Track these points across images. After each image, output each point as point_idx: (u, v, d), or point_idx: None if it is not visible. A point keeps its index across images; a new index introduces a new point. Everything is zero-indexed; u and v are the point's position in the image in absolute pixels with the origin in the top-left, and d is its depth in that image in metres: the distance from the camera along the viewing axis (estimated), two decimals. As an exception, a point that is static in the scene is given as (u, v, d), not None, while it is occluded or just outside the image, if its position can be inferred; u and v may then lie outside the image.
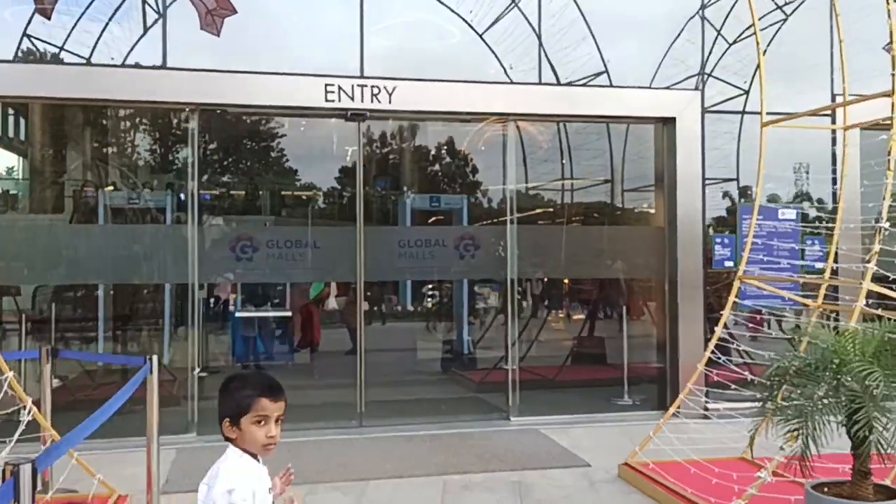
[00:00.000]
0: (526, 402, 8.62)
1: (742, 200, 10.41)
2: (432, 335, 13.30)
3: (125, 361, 8.50)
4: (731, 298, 6.77)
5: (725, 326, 6.73)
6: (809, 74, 10.82)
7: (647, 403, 9.15)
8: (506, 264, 8.47)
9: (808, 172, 11.86)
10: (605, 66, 9.79)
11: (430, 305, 13.84)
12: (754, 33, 7.04)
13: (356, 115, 8.00)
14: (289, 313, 11.27)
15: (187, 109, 7.80)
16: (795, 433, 4.19)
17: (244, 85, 7.70)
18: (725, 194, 11.97)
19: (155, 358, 5.43)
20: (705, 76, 9.83)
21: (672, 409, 6.74)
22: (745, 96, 11.04)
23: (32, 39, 8.47)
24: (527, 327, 11.00)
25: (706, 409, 7.75)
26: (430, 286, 12.95)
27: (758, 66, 7.11)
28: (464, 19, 9.00)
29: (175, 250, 7.76)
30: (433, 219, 12.32)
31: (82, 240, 7.92)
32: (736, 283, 6.87)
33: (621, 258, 9.16)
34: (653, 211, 10.46)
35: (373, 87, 7.89)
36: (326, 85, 7.79)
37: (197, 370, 7.83)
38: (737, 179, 11.05)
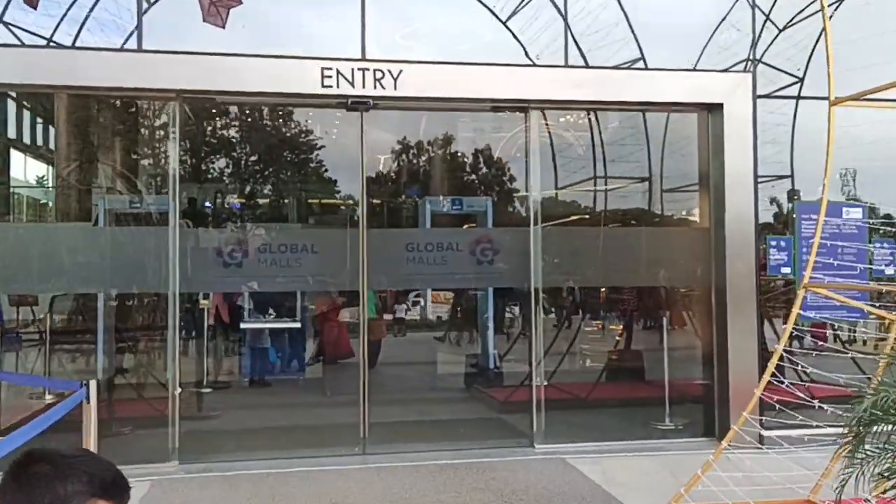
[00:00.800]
0: (553, 425, 7.49)
1: (796, 199, 9.19)
2: (456, 347, 12.25)
3: (62, 387, 7.51)
4: (795, 310, 5.59)
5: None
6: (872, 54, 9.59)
7: (692, 428, 7.97)
8: (529, 271, 7.36)
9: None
10: (640, 52, 8.70)
11: (456, 314, 12.80)
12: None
13: (358, 104, 6.98)
14: (298, 324, 10.27)
15: (168, 97, 6.84)
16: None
17: (230, 69, 6.72)
18: (773, 200, 10.73)
19: (93, 383, 4.45)
20: (755, 61, 8.65)
21: (724, 443, 5.56)
22: (798, 85, 9.83)
23: (11, 28, 7.62)
24: (555, 340, 9.85)
25: (761, 436, 6.54)
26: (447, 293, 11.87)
27: (822, 33, 5.94)
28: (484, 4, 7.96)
29: (152, 256, 6.79)
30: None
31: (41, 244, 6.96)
32: (800, 293, 5.70)
33: (661, 264, 8.00)
34: (696, 212, 9.31)
35: (376, 70, 6.87)
36: (323, 69, 6.79)
37: (179, 390, 6.82)
38: (791, 176, 9.82)
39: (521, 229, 7.52)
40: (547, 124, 9.22)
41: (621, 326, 10.83)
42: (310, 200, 13.94)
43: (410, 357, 12.79)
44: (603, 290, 11.19)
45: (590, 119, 9.79)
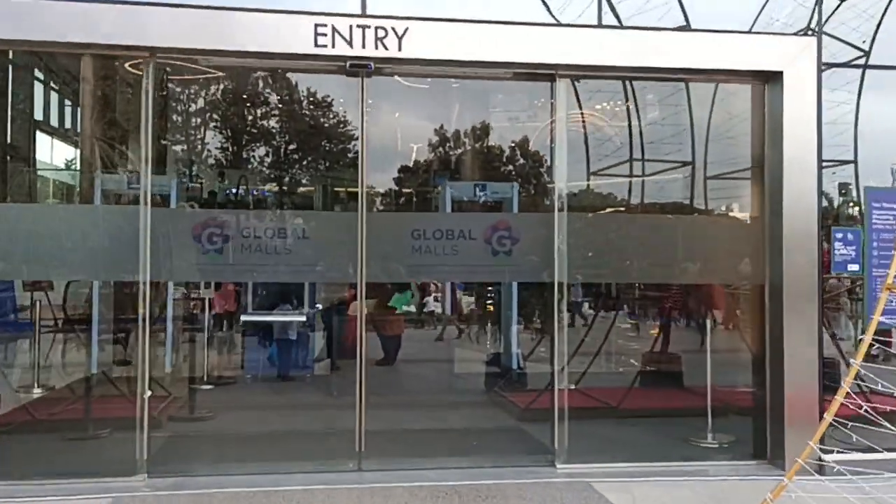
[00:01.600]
0: (578, 439, 6.41)
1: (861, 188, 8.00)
2: (477, 345, 11.24)
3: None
4: (877, 316, 4.46)
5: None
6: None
7: (738, 447, 6.85)
8: (552, 263, 6.28)
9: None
10: (685, 16, 7.57)
11: (483, 308, 11.78)
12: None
13: (357, 66, 5.96)
14: (302, 318, 9.32)
15: (140, 55, 5.88)
16: None
17: (210, 24, 5.75)
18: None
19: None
20: (818, 28, 7.47)
21: (787, 480, 4.46)
22: (864, 59, 8.62)
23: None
24: (583, 342, 8.75)
25: (821, 460, 5.42)
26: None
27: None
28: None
29: (119, 240, 5.85)
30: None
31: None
32: (883, 295, 4.56)
33: (706, 257, 6.86)
34: (744, 201, 8.18)
35: (377, 28, 5.84)
36: (317, 25, 5.78)
37: (148, 393, 5.88)
38: (854, 162, 8.63)
39: (544, 215, 6.45)
40: (577, 99, 8.15)
41: (657, 326, 9.71)
42: (334, 188, 13.11)
43: (429, 354, 11.81)
44: (639, 285, 10.08)
45: (626, 95, 8.67)
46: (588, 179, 9.56)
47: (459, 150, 14.43)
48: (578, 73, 6.56)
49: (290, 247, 6.18)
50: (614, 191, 10.00)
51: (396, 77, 8.03)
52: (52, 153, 14.54)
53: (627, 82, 8.96)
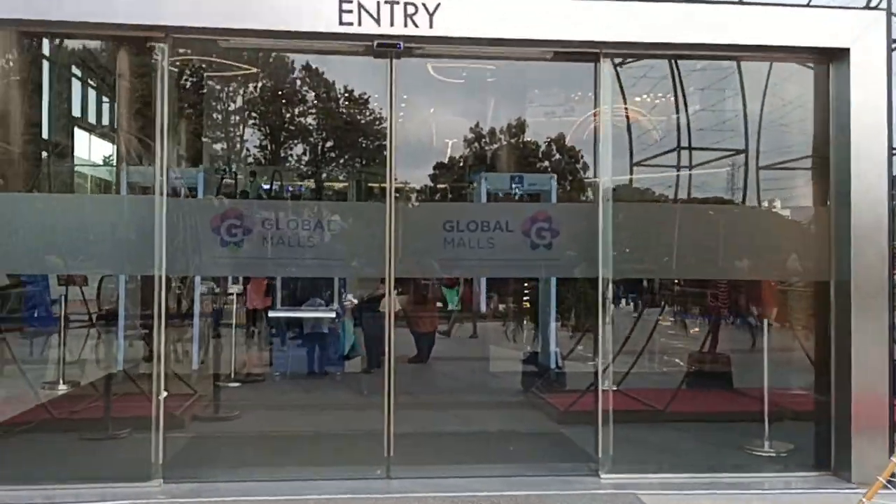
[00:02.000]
0: (623, 446, 5.89)
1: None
2: (513, 344, 10.76)
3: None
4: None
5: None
6: None
7: (799, 457, 6.29)
8: (596, 258, 5.77)
9: None
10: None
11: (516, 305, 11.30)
12: None
13: (385, 46, 5.52)
14: (331, 314, 8.92)
15: (156, 37, 5.49)
16: None
17: (227, 1, 5.33)
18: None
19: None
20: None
21: (867, 501, 3.91)
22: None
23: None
24: (628, 340, 8.21)
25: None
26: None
27: None
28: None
29: (133, 233, 5.48)
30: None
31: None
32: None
33: (764, 252, 6.28)
34: (802, 192, 7.60)
35: (407, 4, 5.38)
36: (341, 1, 5.35)
37: (164, 394, 5.50)
38: (921, 148, 7.93)
39: (587, 205, 5.94)
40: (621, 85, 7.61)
41: (700, 324, 9.12)
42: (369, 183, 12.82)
43: (463, 352, 11.37)
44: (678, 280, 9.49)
45: (673, 79, 8.09)
46: (631, 173, 9.02)
47: (495, 146, 14.08)
48: (624, 51, 6.01)
49: (313, 240, 5.76)
50: (659, 183, 9.42)
51: (427, 60, 7.59)
52: (90, 149, 14.45)
53: (674, 67, 8.39)
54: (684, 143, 8.50)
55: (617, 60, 6.51)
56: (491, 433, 7.17)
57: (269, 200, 8.37)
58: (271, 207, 6.16)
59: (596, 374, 6.03)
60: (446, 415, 7.80)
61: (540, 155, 15.50)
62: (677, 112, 8.42)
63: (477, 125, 14.30)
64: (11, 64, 7.53)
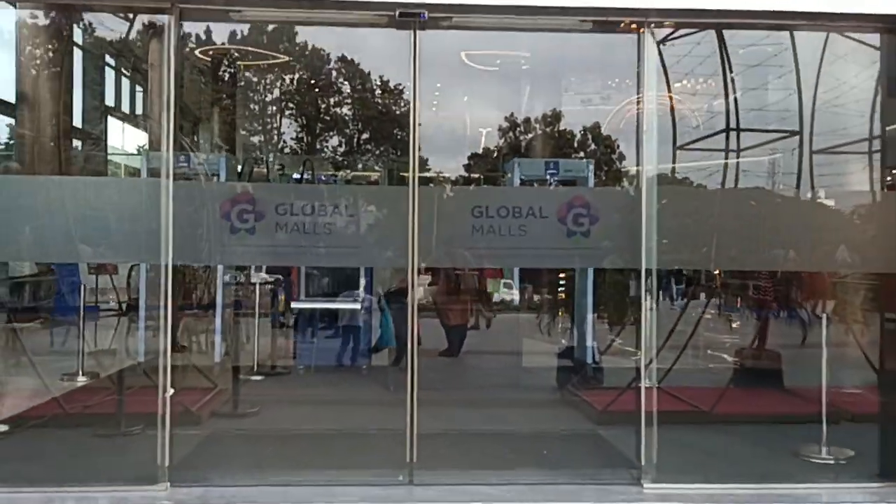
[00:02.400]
0: (668, 450, 5.32)
1: None
2: (547, 337, 10.25)
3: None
4: None
5: None
6: None
7: (860, 464, 5.69)
8: (639, 247, 5.22)
9: None
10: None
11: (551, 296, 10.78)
12: None
13: (407, 15, 5.02)
14: (355, 305, 8.48)
15: (161, 7, 5.06)
16: None
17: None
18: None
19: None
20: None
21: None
22: None
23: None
24: (672, 334, 7.64)
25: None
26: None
27: None
28: None
29: (137, 218, 5.07)
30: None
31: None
32: None
33: (823, 242, 5.67)
34: (855, 175, 7.01)
35: (431, -31, 4.88)
36: (359, -34, 4.86)
37: (171, 391, 5.10)
38: None
39: (629, 189, 5.39)
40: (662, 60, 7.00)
41: (756, 317, 8.49)
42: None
43: (495, 346, 10.89)
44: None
45: (721, 53, 7.47)
46: (674, 158, 8.41)
47: (529, 136, 13.68)
48: (670, 18, 5.41)
49: (329, 226, 5.29)
50: (704, 169, 8.79)
51: (461, 48, 7.12)
52: (124, 138, 14.34)
53: (721, 43, 7.76)
54: (732, 126, 7.86)
55: (659, 37, 5.94)
56: (523, 434, 6.68)
57: (282, 184, 7.92)
58: (285, 192, 5.68)
59: (637, 370, 5.50)
60: (476, 413, 7.32)
61: (575, 145, 15.13)
62: (725, 92, 7.79)
63: (511, 115, 13.88)
64: (48, 53, 7.32)
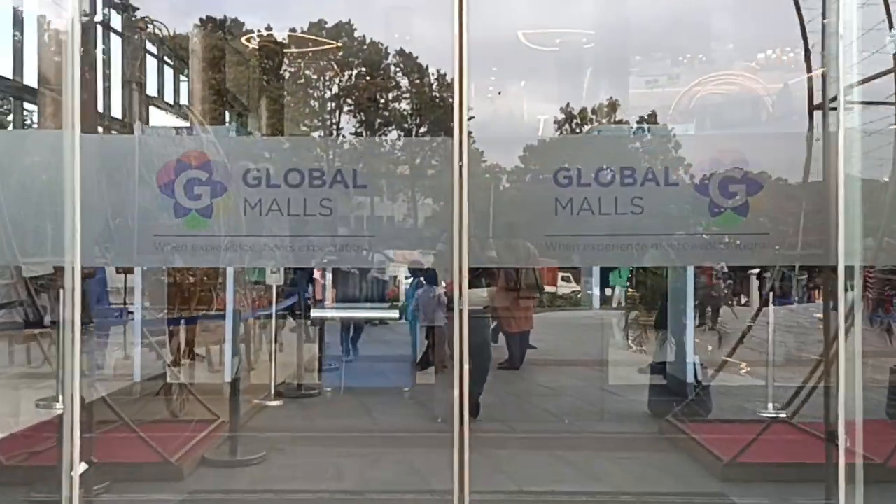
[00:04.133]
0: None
1: None
2: (634, 347, 8.12)
3: None
4: None
5: None
6: None
7: None
8: (829, 230, 3.06)
9: None
10: None
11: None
12: None
13: None
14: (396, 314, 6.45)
15: None
16: None
17: None
18: None
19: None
20: None
21: None
22: None
23: None
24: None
25: None
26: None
27: None
28: None
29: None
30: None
31: None
32: None
33: None
34: None
35: None
36: None
37: (83, 467, 3.14)
38: None
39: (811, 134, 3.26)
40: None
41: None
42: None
43: (567, 354, 8.81)
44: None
45: None
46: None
47: (593, 121, 12.18)
48: None
49: (336, 210, 3.28)
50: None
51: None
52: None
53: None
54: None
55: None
56: (612, 495, 4.55)
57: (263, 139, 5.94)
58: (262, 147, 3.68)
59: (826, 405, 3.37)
60: (547, 459, 5.24)
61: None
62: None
63: (567, 105, 12.86)
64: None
